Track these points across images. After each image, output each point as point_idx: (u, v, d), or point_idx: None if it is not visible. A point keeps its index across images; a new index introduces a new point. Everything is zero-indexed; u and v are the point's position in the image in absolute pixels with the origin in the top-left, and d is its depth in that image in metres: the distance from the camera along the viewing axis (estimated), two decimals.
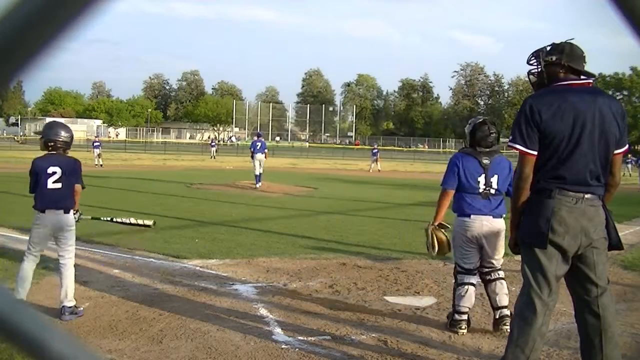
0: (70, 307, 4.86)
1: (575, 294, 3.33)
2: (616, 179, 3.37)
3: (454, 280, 4.84)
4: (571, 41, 3.38)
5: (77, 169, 5.10)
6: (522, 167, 3.26)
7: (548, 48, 3.38)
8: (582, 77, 3.30)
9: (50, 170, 4.93)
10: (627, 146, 3.34)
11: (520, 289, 3.41)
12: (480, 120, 5.00)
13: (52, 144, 5.00)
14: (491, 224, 4.65)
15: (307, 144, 79.56)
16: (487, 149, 4.78)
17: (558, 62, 3.31)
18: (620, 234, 3.36)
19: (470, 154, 4.81)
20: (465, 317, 4.67)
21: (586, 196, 3.18)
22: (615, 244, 3.29)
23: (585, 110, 3.18)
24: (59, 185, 4.95)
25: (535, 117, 3.19)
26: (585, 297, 3.26)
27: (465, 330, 4.63)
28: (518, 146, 3.22)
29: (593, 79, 3.37)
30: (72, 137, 5.20)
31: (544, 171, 3.23)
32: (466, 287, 4.67)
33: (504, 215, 4.61)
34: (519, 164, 3.29)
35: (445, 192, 4.80)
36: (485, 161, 4.71)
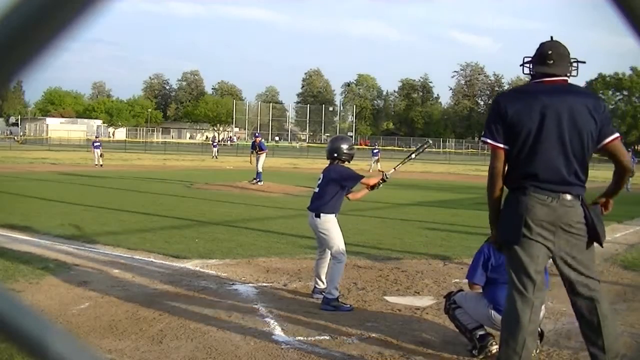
0: (329, 298, 5.22)
1: (566, 288, 3.37)
2: (624, 165, 3.35)
3: (450, 313, 4.37)
4: (553, 39, 3.38)
5: (338, 175, 5.42)
6: (492, 161, 3.33)
7: (526, 59, 3.43)
8: (552, 75, 3.29)
9: (320, 176, 5.59)
10: (617, 134, 3.33)
11: (506, 290, 3.41)
12: None
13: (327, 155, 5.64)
14: None
15: (306, 144, 79.29)
16: None
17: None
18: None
19: None
20: (483, 331, 4.18)
21: (562, 195, 3.19)
22: (595, 238, 3.28)
23: (556, 107, 3.20)
24: (317, 189, 5.51)
25: (501, 112, 3.26)
26: (574, 287, 3.30)
27: (497, 347, 3.95)
28: (488, 140, 3.31)
29: (567, 76, 3.35)
30: (334, 148, 5.55)
31: (516, 167, 3.27)
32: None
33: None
34: (491, 159, 3.36)
35: (471, 286, 4.32)
36: None
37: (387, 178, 5.53)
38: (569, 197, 3.20)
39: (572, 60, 3.39)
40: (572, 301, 3.37)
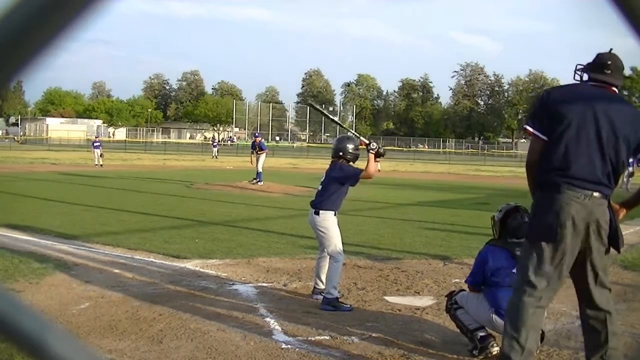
0: (328, 298, 5.25)
1: (577, 289, 3.41)
2: None
3: (451, 313, 4.40)
4: (611, 51, 3.49)
5: (338, 173, 5.52)
6: (530, 149, 3.43)
7: (581, 66, 3.51)
8: (604, 82, 3.40)
9: (323, 174, 5.71)
10: None
11: (515, 282, 3.44)
12: (513, 206, 4.34)
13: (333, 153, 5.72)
14: None
15: (306, 144, 79.34)
16: (519, 240, 4.01)
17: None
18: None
19: (500, 246, 4.25)
20: (484, 332, 4.17)
21: (594, 194, 3.23)
22: (614, 244, 3.32)
23: (599, 109, 3.27)
24: (319, 187, 5.62)
25: (546, 105, 3.37)
26: (585, 292, 3.33)
27: (497, 348, 4.03)
28: (529, 127, 3.42)
29: (616, 86, 3.45)
30: (340, 147, 5.64)
31: (551, 161, 3.30)
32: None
33: None
34: (529, 147, 3.45)
35: (471, 289, 4.36)
36: (519, 253, 3.86)
37: (372, 147, 5.51)
38: (598, 194, 3.25)
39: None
40: (584, 313, 3.41)
